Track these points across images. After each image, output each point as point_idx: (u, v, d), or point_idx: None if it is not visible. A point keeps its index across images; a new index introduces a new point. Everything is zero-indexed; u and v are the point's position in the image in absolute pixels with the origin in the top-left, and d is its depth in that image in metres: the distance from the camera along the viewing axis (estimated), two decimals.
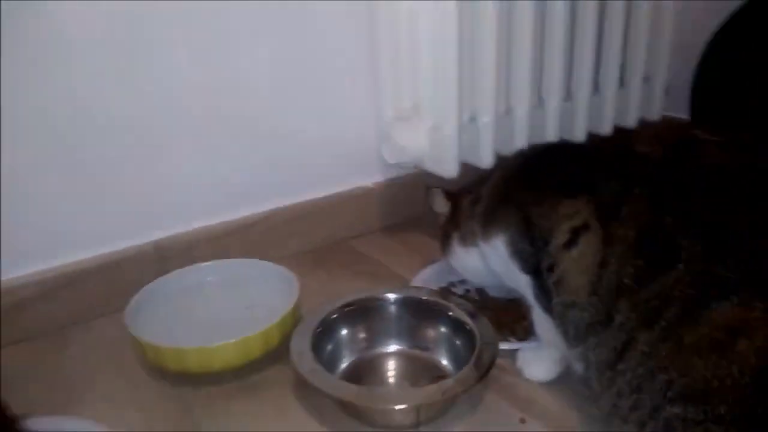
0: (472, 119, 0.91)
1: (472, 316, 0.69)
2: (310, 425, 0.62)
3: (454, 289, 0.83)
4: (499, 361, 0.65)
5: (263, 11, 0.86)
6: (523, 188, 0.65)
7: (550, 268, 0.59)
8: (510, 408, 0.64)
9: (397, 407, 0.60)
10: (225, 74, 0.86)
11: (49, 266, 0.80)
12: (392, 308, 0.73)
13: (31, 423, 0.54)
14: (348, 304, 0.71)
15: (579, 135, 1.01)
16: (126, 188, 0.84)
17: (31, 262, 0.79)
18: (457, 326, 0.70)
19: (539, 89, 0.97)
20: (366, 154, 1.02)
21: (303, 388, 0.65)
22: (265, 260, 0.84)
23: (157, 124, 0.83)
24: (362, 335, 0.72)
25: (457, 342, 0.69)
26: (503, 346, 0.68)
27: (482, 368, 0.62)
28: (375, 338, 0.72)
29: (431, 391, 0.60)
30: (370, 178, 1.04)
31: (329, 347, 0.68)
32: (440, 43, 0.85)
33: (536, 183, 0.65)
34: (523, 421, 0.62)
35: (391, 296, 0.73)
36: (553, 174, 0.64)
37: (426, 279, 0.85)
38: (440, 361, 0.70)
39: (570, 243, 0.58)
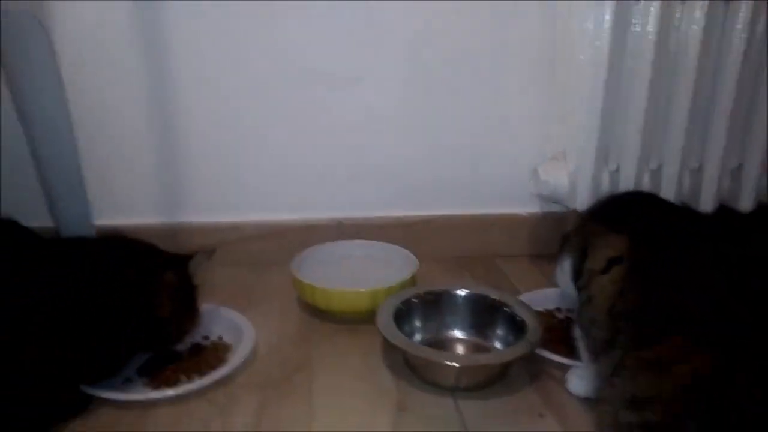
0: (616, 171, 1.01)
1: (530, 318, 0.81)
2: (378, 362, 0.82)
3: (557, 314, 0.93)
4: (552, 370, 0.77)
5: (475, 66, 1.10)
6: (593, 221, 0.76)
7: (585, 288, 0.69)
8: (539, 403, 0.74)
9: (443, 362, 0.75)
10: (439, 101, 1.11)
11: (264, 218, 1.14)
12: (461, 301, 0.89)
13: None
14: (428, 293, 0.89)
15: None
16: (327, 173, 1.14)
17: (253, 212, 1.14)
18: (514, 323, 0.83)
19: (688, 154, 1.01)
20: (526, 186, 1.16)
21: (383, 342, 0.84)
22: (415, 254, 1.03)
23: (367, 125, 1.11)
24: (432, 320, 0.88)
25: (511, 336, 0.82)
26: (554, 357, 0.79)
27: (516, 354, 0.75)
28: (443, 323, 0.88)
29: (471, 358, 0.77)
30: (525, 207, 1.18)
31: (405, 323, 0.85)
32: (590, 101, 0.97)
33: (603, 219, 0.74)
34: (541, 416, 0.72)
35: (462, 291, 0.89)
36: (618, 214, 0.73)
37: (534, 299, 0.96)
38: (495, 349, 0.85)
39: (604, 270, 0.67)
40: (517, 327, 0.82)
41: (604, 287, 0.66)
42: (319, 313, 0.95)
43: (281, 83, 1.08)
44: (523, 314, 0.83)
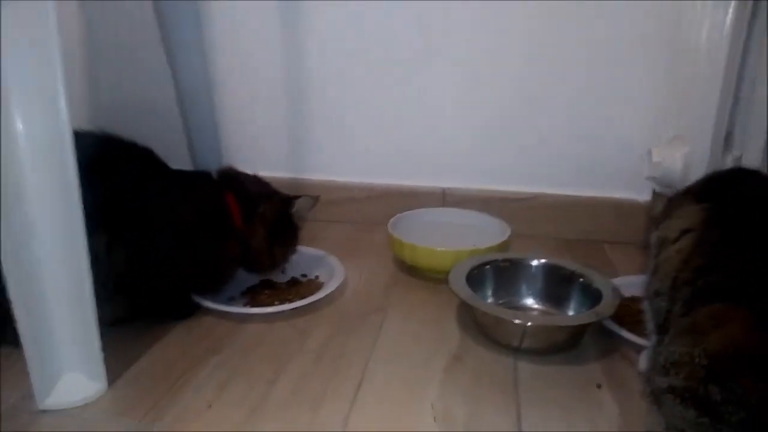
0: (738, 158, 0.94)
1: (607, 291, 0.80)
2: (448, 317, 0.86)
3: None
4: (629, 351, 0.77)
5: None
6: (682, 196, 0.72)
7: (654, 257, 0.67)
8: (599, 375, 0.73)
9: (505, 319, 0.77)
10: (556, 82, 1.12)
11: (374, 182, 1.22)
12: (537, 270, 0.89)
13: None
14: (505, 259, 0.91)
15: None
16: (436, 144, 1.19)
17: (365, 176, 1.22)
18: (590, 296, 0.82)
19: None
20: (641, 172, 1.11)
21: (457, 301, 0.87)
22: (517, 231, 1.05)
23: (482, 102, 1.15)
24: (506, 286, 0.89)
25: (585, 308, 0.81)
26: (631, 336, 0.77)
27: (581, 320, 0.75)
28: (516, 291, 0.90)
29: (534, 318, 0.79)
30: (641, 194, 1.13)
31: (481, 286, 0.87)
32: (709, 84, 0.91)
33: (694, 193, 0.71)
34: (599, 387, 0.71)
35: (538, 261, 0.90)
36: (710, 187, 0.70)
37: (630, 282, 0.92)
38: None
39: (675, 240, 0.65)
40: (593, 300, 0.81)
41: (671, 257, 0.64)
42: (408, 269, 1.01)
43: (397, 60, 1.15)
44: (600, 286, 0.81)
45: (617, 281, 0.87)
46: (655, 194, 0.89)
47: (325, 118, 1.22)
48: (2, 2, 0.57)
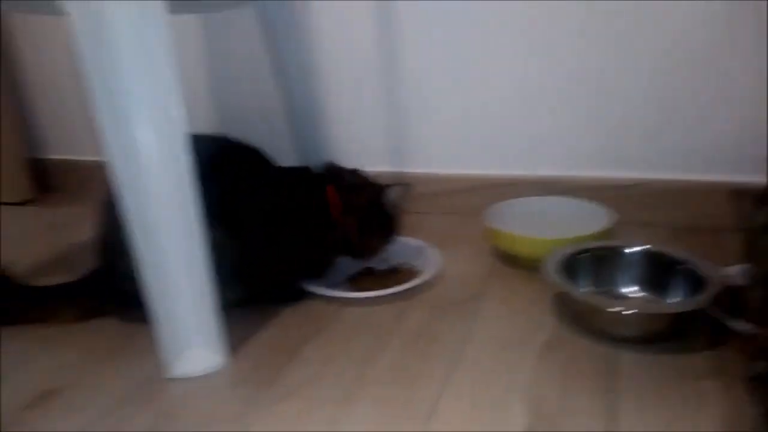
0: None
1: (713, 278, 0.77)
2: (545, 306, 0.86)
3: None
4: (733, 341, 0.74)
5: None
6: None
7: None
8: (704, 369, 0.70)
9: (602, 307, 0.77)
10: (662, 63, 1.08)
11: (474, 173, 1.24)
12: (636, 257, 0.87)
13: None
14: (602, 247, 0.89)
15: None
16: (536, 131, 1.18)
17: (465, 167, 1.25)
18: (694, 283, 0.79)
19: None
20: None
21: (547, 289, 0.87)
22: (625, 218, 1.03)
23: (580, 85, 1.14)
24: (604, 274, 0.87)
25: (687, 295, 0.79)
26: (737, 325, 0.74)
27: (683, 308, 0.74)
28: (615, 279, 0.87)
29: (631, 304, 0.77)
30: (755, 177, 1.06)
31: (577, 274, 0.86)
32: None
33: None
34: (702, 379, 0.69)
35: (638, 248, 0.87)
36: None
37: (736, 272, 0.88)
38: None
39: None
40: (698, 288, 0.78)
41: None
42: (507, 259, 1.02)
43: (495, 49, 1.16)
44: (705, 274, 0.78)
45: (732, 270, 0.83)
46: None
47: (424, 112, 1.25)
48: (123, 29, 0.65)
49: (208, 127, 0.87)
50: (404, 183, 0.96)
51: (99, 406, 0.70)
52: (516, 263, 1.00)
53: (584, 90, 1.14)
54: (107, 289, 0.86)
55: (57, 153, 1.62)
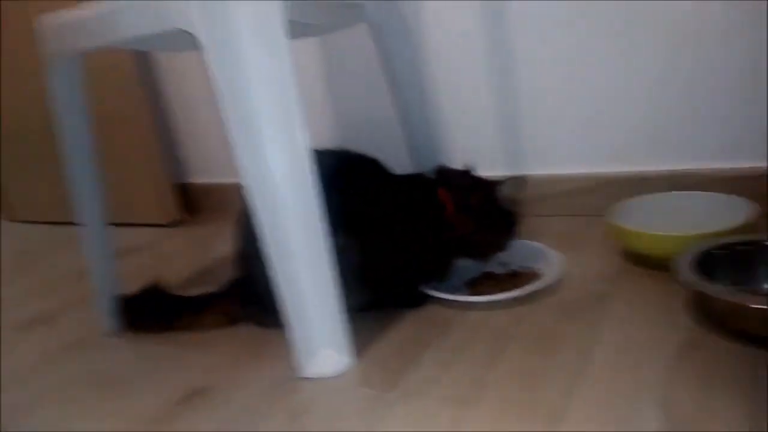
0: None
1: None
2: (678, 306, 0.81)
3: None
4: None
5: None
6: None
7: None
8: None
9: (744, 304, 0.71)
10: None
11: (595, 171, 1.20)
12: None
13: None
14: (740, 242, 0.83)
15: None
16: (661, 123, 1.12)
17: (585, 164, 1.21)
18: None
19: None
20: None
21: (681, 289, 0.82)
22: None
23: (703, 77, 1.07)
24: (745, 271, 0.81)
25: None
26: None
27: None
28: (759, 276, 0.80)
29: None
30: None
31: (714, 271, 0.80)
32: None
33: None
34: None
35: None
36: None
37: None
38: None
39: None
40: None
41: None
42: (635, 259, 0.98)
43: (607, 37, 1.12)
44: None
45: None
46: None
47: (539, 112, 1.23)
48: (252, 60, 0.72)
49: (329, 141, 0.93)
50: (517, 176, 0.95)
51: (239, 403, 0.76)
52: (645, 263, 0.95)
53: (707, 81, 1.06)
54: (246, 297, 0.94)
55: (200, 177, 1.78)
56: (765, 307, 0.70)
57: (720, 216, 0.94)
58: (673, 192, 1.06)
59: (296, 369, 0.79)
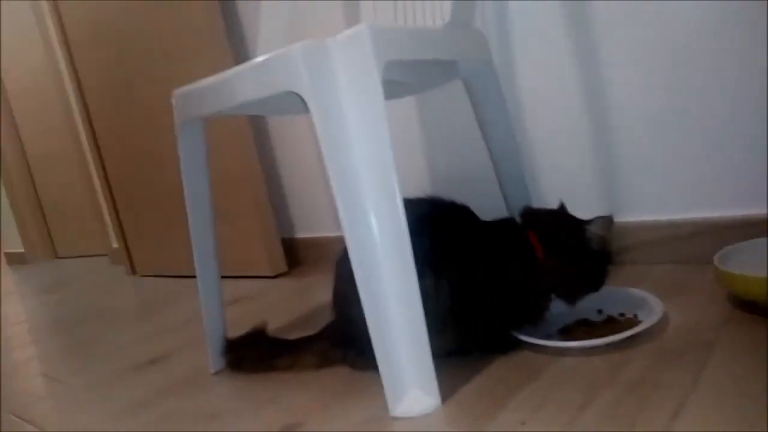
0: None
1: None
2: None
3: None
4: None
5: None
6: None
7: None
8: None
9: None
10: None
11: (699, 216, 1.14)
12: None
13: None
14: None
15: None
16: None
17: (688, 210, 1.16)
18: None
19: None
20: None
21: None
22: None
23: None
24: None
25: None
26: None
27: None
28: None
29: None
30: None
31: None
32: None
33: None
34: None
35: None
36: None
37: None
38: None
39: None
40: None
41: None
42: (745, 306, 0.92)
43: (707, 84, 1.09)
44: None
45: None
46: None
47: (634, 155, 1.21)
48: (354, 124, 0.79)
49: (425, 191, 0.97)
50: (606, 215, 0.94)
51: None
52: (757, 310, 0.89)
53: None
54: (342, 339, 0.98)
55: (303, 232, 1.89)
56: None
57: None
58: None
59: (386, 408, 0.81)
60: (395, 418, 0.80)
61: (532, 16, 1.26)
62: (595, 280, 0.95)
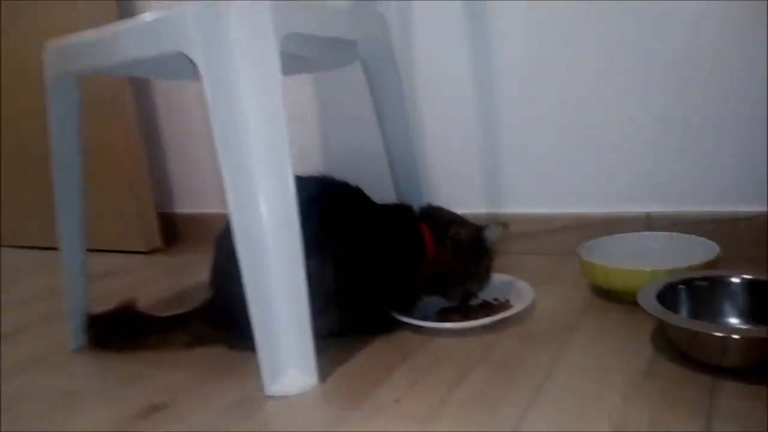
0: None
1: None
2: (642, 339, 0.82)
3: None
4: None
5: None
6: None
7: None
8: None
9: (701, 331, 0.72)
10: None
11: (572, 211, 1.22)
12: (740, 288, 0.82)
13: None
14: (703, 277, 0.85)
15: None
16: (639, 166, 1.16)
17: (563, 205, 1.24)
18: None
19: None
20: None
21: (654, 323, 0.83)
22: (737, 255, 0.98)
23: (675, 119, 1.11)
24: (706, 305, 0.83)
25: None
26: None
27: None
28: (717, 310, 0.83)
29: (739, 329, 0.73)
30: None
31: (676, 305, 0.83)
32: None
33: None
34: None
35: (742, 278, 0.82)
36: None
37: None
38: None
39: None
40: None
41: None
42: (604, 295, 0.99)
43: (587, 82, 1.17)
44: None
45: None
46: None
47: (518, 151, 1.27)
48: (247, 94, 0.75)
49: (317, 169, 0.95)
50: (503, 223, 0.98)
51: (199, 419, 0.75)
52: (613, 298, 0.97)
53: (681, 125, 1.11)
54: (218, 318, 0.94)
55: (183, 207, 1.80)
56: (725, 334, 0.71)
57: (684, 254, 0.97)
58: (642, 232, 1.09)
59: (263, 387, 0.79)
60: (270, 397, 0.78)
61: (434, 6, 1.28)
62: (479, 282, 0.99)
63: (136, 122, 1.67)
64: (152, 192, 1.72)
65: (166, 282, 1.39)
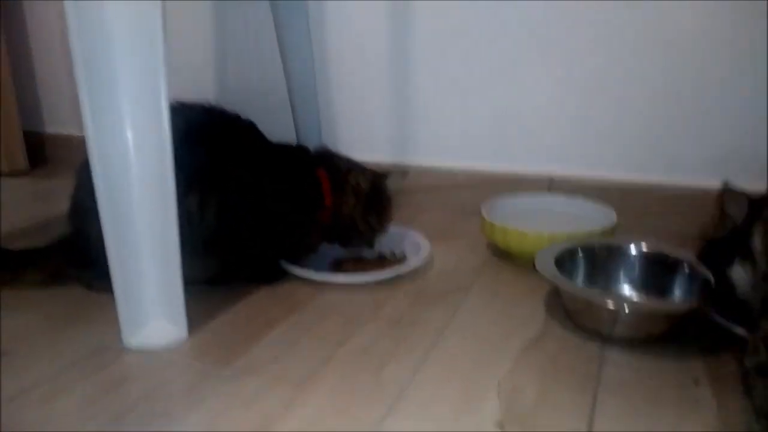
0: None
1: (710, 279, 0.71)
2: (537, 303, 0.80)
3: None
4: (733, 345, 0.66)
5: None
6: None
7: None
8: (699, 371, 0.65)
9: (593, 301, 0.71)
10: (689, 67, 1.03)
11: (477, 168, 1.19)
12: (637, 257, 0.81)
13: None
14: (601, 245, 0.84)
15: None
16: (545, 129, 1.13)
17: (468, 161, 1.19)
18: (695, 284, 0.73)
19: None
20: None
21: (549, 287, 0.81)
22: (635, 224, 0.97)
23: (590, 85, 1.09)
24: (602, 274, 0.82)
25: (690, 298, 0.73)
26: (738, 329, 0.67)
27: (682, 308, 0.70)
28: (613, 278, 0.82)
29: (630, 302, 0.73)
30: None
31: (573, 272, 0.82)
32: None
33: None
34: (696, 383, 0.63)
35: (639, 248, 0.81)
36: None
37: None
38: None
39: None
40: (701, 291, 0.72)
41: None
42: (502, 255, 0.97)
43: (500, 42, 1.11)
44: (705, 275, 0.72)
45: (734, 273, 0.76)
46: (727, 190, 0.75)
47: (428, 103, 1.20)
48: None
49: (211, 99, 0.84)
50: (402, 170, 0.92)
51: (44, 369, 0.65)
52: (511, 259, 0.95)
53: (588, 90, 1.08)
54: (75, 256, 0.82)
55: (53, 127, 1.60)
56: (615, 306, 0.70)
57: (584, 220, 0.96)
58: (545, 193, 1.07)
59: (121, 338, 0.69)
60: (129, 350, 0.69)
61: None
62: (374, 231, 0.93)
63: (1, 36, 1.44)
64: (18, 109, 1.50)
65: (27, 209, 1.23)
